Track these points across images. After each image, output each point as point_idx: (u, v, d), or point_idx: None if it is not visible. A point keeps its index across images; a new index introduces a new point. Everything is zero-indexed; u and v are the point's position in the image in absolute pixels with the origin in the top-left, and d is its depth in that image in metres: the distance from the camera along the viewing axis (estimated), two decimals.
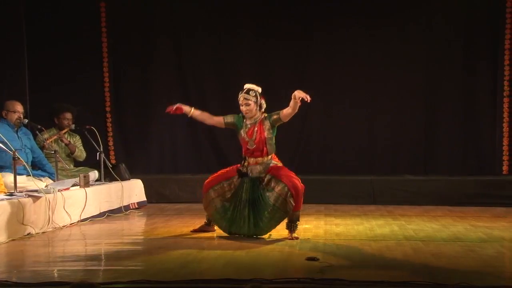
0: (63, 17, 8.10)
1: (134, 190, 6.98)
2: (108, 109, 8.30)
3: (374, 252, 4.41)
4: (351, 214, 6.44)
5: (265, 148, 5.07)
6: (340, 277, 3.56)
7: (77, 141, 7.01)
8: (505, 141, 7.73)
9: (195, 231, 5.33)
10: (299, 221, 5.03)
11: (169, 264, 4.05)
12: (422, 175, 7.62)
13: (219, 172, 5.26)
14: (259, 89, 5.14)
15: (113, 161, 7.93)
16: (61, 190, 5.63)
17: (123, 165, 7.04)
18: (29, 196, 5.22)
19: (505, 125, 7.73)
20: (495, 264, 4.11)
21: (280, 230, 5.34)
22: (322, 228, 5.51)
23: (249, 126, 5.09)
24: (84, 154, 6.98)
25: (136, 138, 8.38)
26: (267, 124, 5.07)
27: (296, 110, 4.93)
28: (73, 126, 6.87)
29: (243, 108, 5.07)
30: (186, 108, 5.24)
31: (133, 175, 7.20)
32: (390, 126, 8.07)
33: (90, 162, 6.86)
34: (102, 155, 6.60)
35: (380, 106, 8.08)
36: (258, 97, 5.10)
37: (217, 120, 5.24)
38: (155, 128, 8.36)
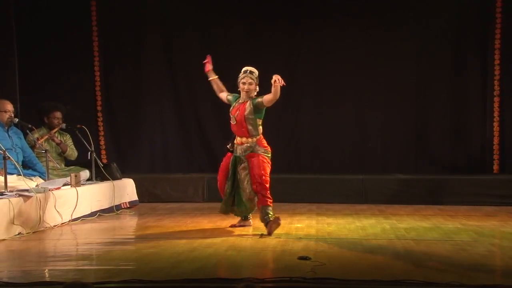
0: (53, 16, 8.07)
1: (125, 189, 6.96)
2: (99, 108, 8.27)
3: (365, 251, 4.41)
4: (342, 213, 6.45)
5: (246, 128, 5.29)
6: (332, 276, 3.57)
7: (67, 140, 6.98)
8: (496, 140, 7.77)
9: (233, 226, 5.49)
10: (268, 214, 5.17)
11: (161, 263, 4.04)
12: (413, 174, 7.65)
13: (220, 169, 5.51)
14: (257, 73, 5.42)
15: (105, 161, 7.90)
16: (52, 190, 5.61)
17: (115, 164, 7.02)
18: (20, 195, 5.19)
19: (495, 124, 7.77)
20: (486, 262, 4.12)
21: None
22: (314, 227, 5.52)
23: (236, 104, 5.37)
24: (75, 153, 6.96)
25: (127, 137, 8.36)
26: (249, 106, 5.29)
27: (277, 96, 5.13)
28: (63, 125, 6.84)
29: (245, 86, 5.31)
30: (210, 72, 5.66)
31: (125, 174, 7.18)
32: (381, 125, 8.10)
33: (81, 162, 6.83)
34: (94, 155, 6.57)
35: (371, 105, 8.10)
36: (257, 80, 5.38)
37: (222, 96, 5.61)
38: (147, 127, 8.34)
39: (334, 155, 8.02)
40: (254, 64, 8.04)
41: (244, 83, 5.32)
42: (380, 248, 4.52)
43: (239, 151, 5.35)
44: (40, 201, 5.31)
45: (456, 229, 5.37)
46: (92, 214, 6.17)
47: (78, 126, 6.70)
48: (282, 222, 5.22)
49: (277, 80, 5.05)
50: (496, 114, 7.77)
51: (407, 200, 7.17)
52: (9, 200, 5.01)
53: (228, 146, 5.43)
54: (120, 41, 8.27)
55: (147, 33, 8.29)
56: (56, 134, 6.89)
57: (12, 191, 5.30)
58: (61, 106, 6.93)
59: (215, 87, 5.67)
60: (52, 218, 5.51)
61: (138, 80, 8.31)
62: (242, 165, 5.32)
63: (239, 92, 5.42)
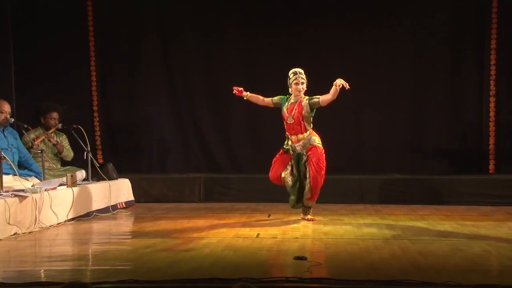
0: (49, 15, 8.05)
1: (121, 189, 6.95)
2: (95, 108, 8.25)
3: (361, 251, 4.41)
4: (339, 213, 6.45)
5: (303, 125, 5.78)
6: (328, 276, 3.57)
7: (63, 140, 6.96)
8: (492, 141, 7.79)
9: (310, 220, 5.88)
10: (311, 207, 5.92)
11: (157, 263, 4.03)
12: (409, 174, 7.65)
13: (275, 163, 5.96)
14: None
15: (101, 161, 7.89)
16: (48, 190, 5.59)
17: (111, 164, 7.00)
18: (16, 195, 5.18)
19: (491, 124, 7.79)
20: (482, 262, 4.13)
21: (269, 229, 5.39)
22: (310, 227, 5.52)
23: (291, 103, 5.81)
24: (71, 154, 6.94)
25: (123, 137, 8.34)
26: (306, 105, 5.76)
27: (335, 97, 5.62)
28: (60, 126, 6.82)
29: (298, 86, 5.76)
30: (244, 94, 6.02)
31: (121, 174, 7.16)
32: (377, 125, 8.10)
33: (78, 162, 6.82)
34: (90, 155, 6.56)
35: (368, 105, 8.10)
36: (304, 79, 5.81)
37: (267, 101, 6.00)
38: (143, 127, 8.33)
39: (330, 155, 7.99)
40: (251, 65, 8.11)
41: (297, 84, 5.76)
42: (377, 248, 4.52)
43: (298, 148, 5.82)
44: (36, 201, 5.30)
45: (452, 229, 5.37)
46: (88, 214, 6.15)
47: (74, 126, 6.68)
48: (278, 222, 5.49)
49: (341, 84, 5.50)
50: (492, 114, 7.78)
51: (404, 200, 7.18)
52: (5, 200, 5.00)
53: (284, 147, 5.88)
54: (117, 41, 8.25)
55: (144, 33, 8.28)
56: (52, 135, 6.87)
57: (8, 191, 5.29)
58: (57, 106, 6.91)
59: (253, 100, 6.06)
60: (48, 218, 5.50)
61: (135, 80, 8.30)
62: (304, 159, 5.80)
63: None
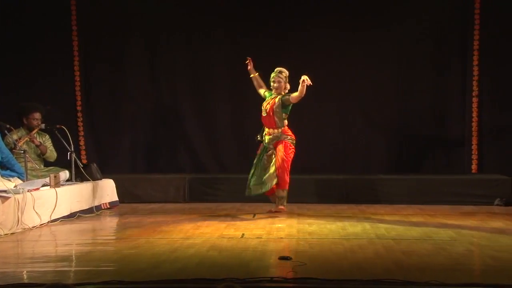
0: (32, 16, 7.99)
1: (106, 190, 6.90)
2: (79, 108, 8.19)
3: (346, 251, 4.43)
4: (324, 213, 6.46)
5: (274, 120, 6.25)
6: (312, 276, 3.57)
7: (46, 141, 6.90)
8: (474, 141, 7.86)
9: (270, 212, 6.31)
10: (283, 197, 6.29)
11: (142, 264, 4.01)
12: (393, 174, 7.69)
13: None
14: (287, 73, 6.30)
15: (85, 161, 7.81)
16: (31, 191, 5.55)
17: (95, 164, 6.95)
18: None
19: (474, 124, 7.86)
20: (465, 261, 4.16)
21: (254, 230, 5.39)
22: (295, 227, 5.52)
23: (269, 99, 6.31)
24: (54, 154, 6.88)
25: (108, 137, 8.29)
26: (279, 101, 6.23)
27: (303, 94, 6.06)
28: (42, 126, 6.75)
29: (274, 85, 6.27)
30: (251, 70, 6.44)
31: (105, 174, 7.11)
32: (362, 126, 8.13)
33: (61, 162, 6.76)
34: (73, 155, 6.51)
35: (353, 105, 8.14)
36: (287, 79, 6.27)
37: (261, 91, 6.45)
38: (127, 127, 8.29)
39: (315, 155, 8.04)
40: (237, 65, 8.09)
41: (273, 82, 6.27)
42: (361, 248, 4.53)
43: (267, 140, 6.29)
44: (19, 202, 5.25)
45: (435, 229, 5.40)
46: (72, 215, 6.10)
47: (58, 126, 6.62)
48: (263, 222, 5.53)
49: (304, 80, 5.92)
50: (474, 114, 7.85)
51: (388, 200, 7.21)
52: None
53: (258, 137, 6.35)
54: (101, 41, 8.19)
55: (128, 33, 8.23)
56: (35, 135, 6.81)
57: None
58: (40, 106, 6.84)
59: (255, 83, 6.47)
60: (31, 219, 5.45)
61: (119, 80, 8.25)
62: (269, 152, 6.26)
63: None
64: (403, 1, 7.99)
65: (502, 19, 7.64)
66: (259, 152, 6.38)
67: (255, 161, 6.37)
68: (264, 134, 6.37)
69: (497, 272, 3.83)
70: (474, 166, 7.87)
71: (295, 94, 6.13)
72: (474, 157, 7.87)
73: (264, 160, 6.31)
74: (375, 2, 7.99)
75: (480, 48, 7.75)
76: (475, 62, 7.80)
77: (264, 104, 6.34)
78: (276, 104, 6.23)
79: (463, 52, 7.88)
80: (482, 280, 3.65)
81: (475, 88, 7.83)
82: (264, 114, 6.32)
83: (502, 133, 7.76)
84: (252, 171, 6.36)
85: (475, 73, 7.81)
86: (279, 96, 6.26)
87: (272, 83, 6.30)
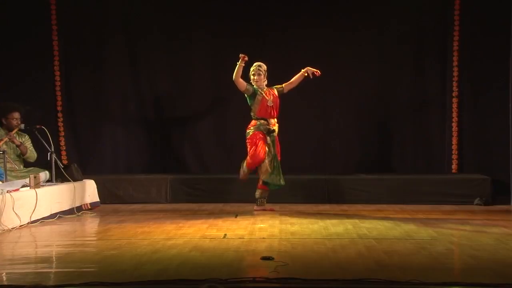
0: (12, 15, 7.88)
1: (86, 190, 6.85)
2: (59, 108, 8.11)
3: (328, 251, 4.44)
4: (306, 213, 6.48)
5: (276, 111, 6.57)
6: (295, 276, 3.58)
7: (26, 141, 6.81)
8: (454, 141, 7.93)
9: (272, 210, 6.52)
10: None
11: (123, 265, 3.99)
12: (375, 174, 7.74)
13: (262, 145, 6.52)
14: (265, 67, 6.60)
15: (65, 162, 7.76)
16: (10, 191, 5.48)
17: (75, 165, 6.89)
18: None
19: (454, 124, 7.93)
20: (445, 260, 4.20)
21: (236, 230, 5.39)
22: (277, 227, 5.53)
23: (264, 89, 6.55)
24: (35, 155, 6.80)
25: (88, 137, 8.22)
26: (276, 92, 6.61)
27: (297, 84, 6.61)
28: (22, 126, 6.67)
29: (255, 77, 6.52)
30: (239, 63, 6.41)
31: (86, 175, 7.06)
32: (343, 126, 8.16)
33: (41, 163, 6.69)
34: (53, 156, 6.45)
35: (333, 106, 8.16)
36: (266, 73, 6.57)
37: (242, 83, 6.52)
38: (108, 127, 8.23)
39: (296, 155, 8.05)
40: (218, 66, 8.08)
41: (253, 74, 6.54)
42: (343, 248, 4.55)
43: (276, 131, 6.55)
44: None
45: (416, 228, 5.44)
46: (52, 216, 6.05)
47: (38, 126, 6.55)
48: (245, 222, 5.61)
49: (314, 72, 6.51)
50: (454, 115, 7.92)
51: (370, 200, 7.26)
52: None
53: (269, 127, 6.51)
54: (81, 41, 8.11)
55: (109, 33, 8.17)
56: (15, 135, 6.72)
57: None
58: (19, 106, 6.75)
59: (239, 70, 6.46)
60: (10, 220, 5.39)
61: (100, 80, 8.19)
62: (275, 142, 6.58)
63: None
64: (384, 2, 8.03)
65: (481, 20, 7.71)
66: (266, 142, 6.51)
67: (272, 153, 6.51)
68: (271, 125, 6.55)
69: (476, 271, 3.87)
70: (454, 166, 7.94)
71: (291, 84, 6.66)
72: (454, 157, 7.95)
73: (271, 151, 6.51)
74: (356, 3, 8.02)
75: (460, 48, 7.83)
76: (455, 63, 7.87)
77: (264, 95, 6.52)
78: (278, 95, 6.59)
79: (443, 53, 7.95)
80: (462, 279, 3.70)
81: (455, 88, 7.90)
82: (270, 103, 6.51)
83: (482, 133, 7.84)
84: (273, 161, 6.50)
85: (455, 74, 7.89)
86: (274, 88, 6.59)
87: (252, 76, 6.53)
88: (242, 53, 6.37)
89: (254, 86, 6.57)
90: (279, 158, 6.57)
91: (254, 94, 6.54)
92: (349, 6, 8.02)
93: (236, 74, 6.43)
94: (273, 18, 8.04)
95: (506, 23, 7.04)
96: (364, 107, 8.14)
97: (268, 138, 6.52)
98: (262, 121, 6.55)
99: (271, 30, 8.07)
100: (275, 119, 6.61)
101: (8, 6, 7.87)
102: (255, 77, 6.53)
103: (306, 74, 6.57)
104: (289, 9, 8.02)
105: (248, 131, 6.58)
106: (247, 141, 6.59)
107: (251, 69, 6.54)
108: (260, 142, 6.50)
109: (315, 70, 6.53)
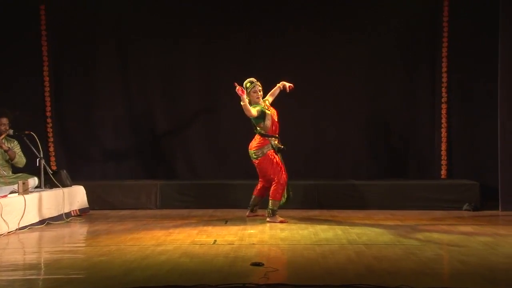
0: (0, 19, 7.84)
1: (76, 196, 6.82)
2: (48, 113, 8.07)
3: (318, 256, 4.45)
4: (296, 218, 6.47)
5: (278, 127, 6.43)
6: (284, 282, 3.58)
7: (15, 147, 6.77)
8: (443, 146, 7.97)
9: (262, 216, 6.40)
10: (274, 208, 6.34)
11: (112, 271, 3.98)
12: (365, 180, 7.75)
13: (282, 165, 6.39)
14: None
15: (54, 168, 7.72)
16: None
17: (65, 171, 6.86)
18: None
19: (443, 130, 7.97)
20: (434, 266, 4.22)
21: (226, 236, 5.38)
22: (267, 233, 5.53)
23: (265, 107, 6.35)
24: (23, 160, 6.75)
25: (78, 143, 8.18)
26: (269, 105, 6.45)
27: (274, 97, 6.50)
28: (11, 131, 6.63)
29: (257, 94, 6.32)
30: (244, 98, 6.11)
31: (75, 181, 7.03)
32: (333, 131, 8.17)
33: (30, 169, 6.64)
34: (42, 161, 6.41)
35: (324, 111, 8.17)
36: None
37: (253, 110, 6.22)
38: (98, 133, 8.19)
39: (287, 161, 8.05)
40: (209, 70, 8.09)
41: (254, 92, 6.31)
42: (333, 253, 4.56)
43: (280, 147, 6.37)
44: None
45: (406, 234, 5.46)
46: (41, 223, 6.03)
47: (26, 132, 6.51)
48: (235, 228, 5.57)
49: (285, 85, 6.42)
50: (444, 120, 7.96)
51: (359, 205, 7.26)
52: None
53: (280, 146, 6.36)
54: (71, 45, 8.09)
55: (100, 37, 8.14)
56: (4, 141, 6.68)
57: None
58: (7, 111, 6.72)
59: (246, 108, 6.16)
60: None
61: (90, 85, 8.16)
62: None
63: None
64: (374, 7, 8.06)
65: (471, 26, 7.76)
66: (279, 159, 6.35)
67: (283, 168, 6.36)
68: (277, 141, 6.38)
69: (465, 276, 3.90)
70: (443, 172, 7.97)
71: (271, 96, 6.53)
72: (444, 162, 7.98)
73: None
74: (347, 7, 8.05)
75: (449, 54, 7.87)
76: (444, 69, 7.92)
77: (271, 112, 6.37)
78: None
79: (432, 58, 7.99)
80: (450, 284, 3.72)
81: (444, 94, 7.94)
82: (276, 119, 6.40)
83: (471, 138, 7.89)
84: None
85: (444, 80, 7.93)
86: (267, 101, 6.45)
87: (254, 94, 6.30)
88: (235, 84, 6.07)
89: (259, 104, 6.31)
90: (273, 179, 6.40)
91: (263, 113, 6.28)
92: (339, 12, 8.04)
93: (249, 111, 6.14)
94: (264, 23, 8.05)
95: (495, 29, 7.09)
96: (353, 112, 8.16)
97: (278, 156, 6.36)
98: (273, 138, 6.35)
99: (262, 35, 8.07)
100: (277, 135, 6.43)
101: None
102: (256, 95, 6.31)
103: (281, 88, 6.51)
104: (280, 14, 8.03)
105: (257, 150, 6.28)
106: (258, 161, 6.29)
107: (248, 86, 6.28)
108: (279, 163, 6.33)
109: (290, 84, 6.46)
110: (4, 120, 6.65)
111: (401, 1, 8.02)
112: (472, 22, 7.75)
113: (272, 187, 6.28)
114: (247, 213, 6.55)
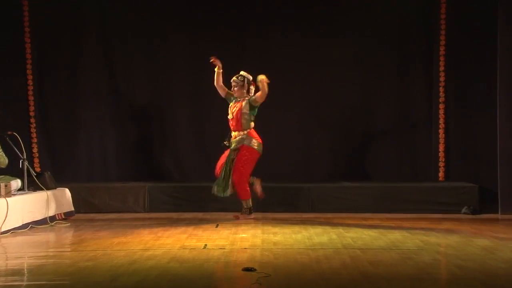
0: None
1: (60, 199, 6.69)
2: (32, 114, 7.93)
3: (312, 261, 4.39)
4: (289, 222, 6.40)
5: (241, 122, 6.47)
6: None
7: None
8: (441, 148, 7.88)
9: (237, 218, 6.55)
10: (244, 207, 6.57)
11: (98, 277, 3.92)
12: (359, 182, 7.65)
13: (221, 157, 6.58)
14: (250, 77, 6.59)
15: (38, 169, 7.60)
16: None
17: (49, 173, 6.74)
18: None
19: (440, 131, 7.89)
20: (431, 271, 4.18)
21: (216, 240, 5.31)
22: (260, 237, 5.46)
23: (234, 101, 6.57)
24: (5, 160, 6.59)
25: (62, 144, 8.05)
26: (246, 103, 6.50)
27: (266, 91, 6.41)
28: None
29: (235, 88, 6.54)
30: (218, 67, 6.58)
31: (60, 183, 6.90)
32: (327, 133, 8.09)
33: (13, 170, 6.49)
34: (26, 163, 6.29)
35: (317, 113, 8.09)
36: (245, 82, 6.56)
37: (223, 89, 6.65)
38: (83, 134, 8.06)
39: (279, 163, 7.96)
40: (196, 71, 7.98)
41: (233, 85, 6.56)
42: (327, 258, 4.50)
43: (234, 144, 6.47)
44: None
45: (402, 238, 5.39)
46: (24, 226, 5.92)
47: (9, 132, 6.37)
48: (226, 232, 5.51)
49: (262, 80, 6.36)
50: (441, 121, 7.88)
51: (354, 209, 7.16)
52: None
53: (225, 143, 6.53)
54: (56, 44, 7.96)
55: (85, 37, 8.01)
56: None
57: None
58: None
59: (218, 77, 6.61)
60: None
61: (75, 85, 8.02)
62: (232, 156, 6.46)
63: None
64: (368, 5, 7.99)
65: (468, 24, 7.71)
66: (227, 156, 6.49)
67: (225, 164, 6.48)
68: (230, 138, 6.54)
69: (463, 281, 3.86)
70: (441, 174, 7.88)
71: (259, 93, 6.44)
72: (441, 164, 7.89)
73: (230, 164, 6.46)
74: (340, 8, 7.98)
75: (446, 54, 7.81)
76: (441, 68, 7.84)
77: (231, 106, 6.56)
78: (244, 106, 6.47)
79: (429, 58, 7.92)
80: None
81: (441, 94, 7.87)
82: (230, 117, 6.54)
83: (469, 140, 7.81)
84: (223, 172, 6.48)
85: (442, 79, 7.86)
86: (246, 99, 6.51)
87: (234, 88, 6.59)
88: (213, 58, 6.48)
89: (230, 94, 6.64)
90: (234, 174, 6.51)
91: (228, 102, 6.66)
92: (331, 13, 7.97)
93: (216, 81, 6.57)
94: (253, 24, 8.01)
95: (493, 29, 7.03)
96: (348, 114, 8.08)
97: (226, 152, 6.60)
98: (232, 133, 6.64)
99: (251, 36, 8.01)
100: (239, 132, 6.57)
101: None
102: (235, 88, 6.59)
103: (259, 82, 6.46)
104: (270, 16, 7.98)
105: (256, 142, 6.52)
106: (248, 152, 6.48)
107: (232, 78, 6.58)
108: (223, 155, 6.61)
109: (262, 77, 6.43)
110: None
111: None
112: (470, 21, 7.70)
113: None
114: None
